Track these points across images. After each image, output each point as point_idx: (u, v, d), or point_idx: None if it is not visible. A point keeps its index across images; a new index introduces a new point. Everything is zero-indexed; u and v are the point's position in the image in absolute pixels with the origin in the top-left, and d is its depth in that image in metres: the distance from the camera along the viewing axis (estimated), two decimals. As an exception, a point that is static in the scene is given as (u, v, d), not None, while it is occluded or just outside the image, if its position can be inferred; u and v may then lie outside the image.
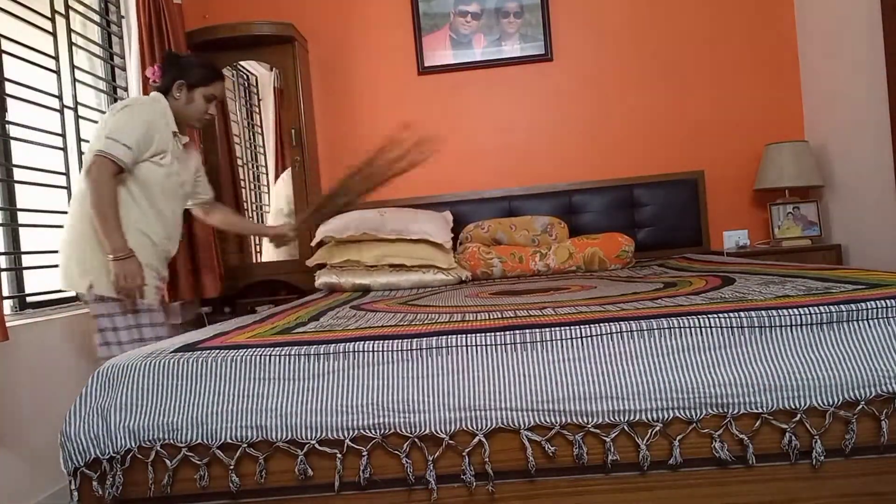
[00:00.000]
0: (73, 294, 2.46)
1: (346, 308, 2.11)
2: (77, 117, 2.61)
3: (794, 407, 1.24)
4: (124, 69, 2.97)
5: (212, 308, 3.26)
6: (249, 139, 3.66)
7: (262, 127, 3.67)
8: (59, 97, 2.51)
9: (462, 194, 3.49)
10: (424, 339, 1.34)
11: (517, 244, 3.16)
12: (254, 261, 3.55)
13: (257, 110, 3.70)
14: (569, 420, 1.25)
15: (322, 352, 1.33)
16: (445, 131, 3.57)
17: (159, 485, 1.29)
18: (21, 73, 2.30)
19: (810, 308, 1.31)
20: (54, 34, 2.50)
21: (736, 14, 3.47)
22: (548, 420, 1.25)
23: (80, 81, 2.67)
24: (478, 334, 1.34)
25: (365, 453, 1.26)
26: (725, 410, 1.24)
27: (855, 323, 1.30)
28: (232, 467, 1.28)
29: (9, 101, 2.22)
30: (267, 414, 1.29)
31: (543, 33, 3.51)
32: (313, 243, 3.07)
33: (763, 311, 1.31)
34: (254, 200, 3.63)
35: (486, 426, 1.26)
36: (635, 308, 1.49)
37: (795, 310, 1.31)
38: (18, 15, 2.31)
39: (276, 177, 3.55)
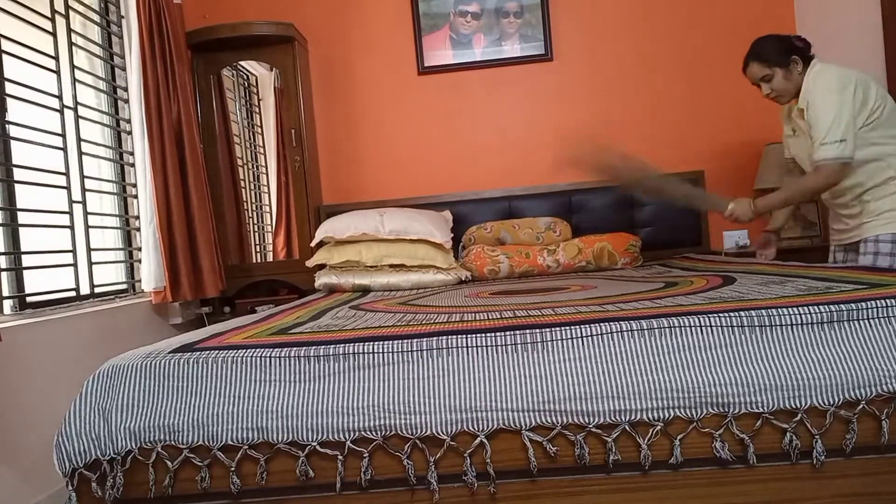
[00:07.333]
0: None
1: (345, 308, 2.11)
2: (77, 117, 2.61)
3: (794, 406, 1.24)
4: (124, 69, 2.97)
5: (212, 308, 3.26)
6: (249, 139, 3.66)
7: (262, 127, 3.67)
8: (59, 97, 2.50)
9: (462, 194, 3.49)
10: (425, 339, 1.34)
11: (522, 243, 3.16)
12: (254, 261, 3.55)
13: (257, 110, 3.70)
14: (570, 420, 1.25)
15: (322, 353, 1.33)
16: (445, 131, 3.59)
17: (160, 486, 1.29)
18: (21, 73, 2.30)
19: (811, 307, 1.31)
20: (54, 34, 2.49)
21: (736, 14, 3.47)
22: (549, 420, 1.25)
23: (80, 81, 2.67)
24: (478, 335, 1.34)
25: (366, 455, 1.26)
26: (726, 410, 1.24)
27: (855, 322, 1.30)
28: (233, 468, 1.28)
29: (9, 101, 2.22)
30: (267, 416, 1.29)
31: (543, 33, 3.51)
32: (313, 244, 3.07)
33: (763, 311, 1.31)
34: (254, 200, 3.62)
35: (488, 427, 1.26)
36: (635, 308, 1.49)
37: (796, 309, 1.31)
38: (18, 15, 2.31)
39: (277, 177, 3.54)
